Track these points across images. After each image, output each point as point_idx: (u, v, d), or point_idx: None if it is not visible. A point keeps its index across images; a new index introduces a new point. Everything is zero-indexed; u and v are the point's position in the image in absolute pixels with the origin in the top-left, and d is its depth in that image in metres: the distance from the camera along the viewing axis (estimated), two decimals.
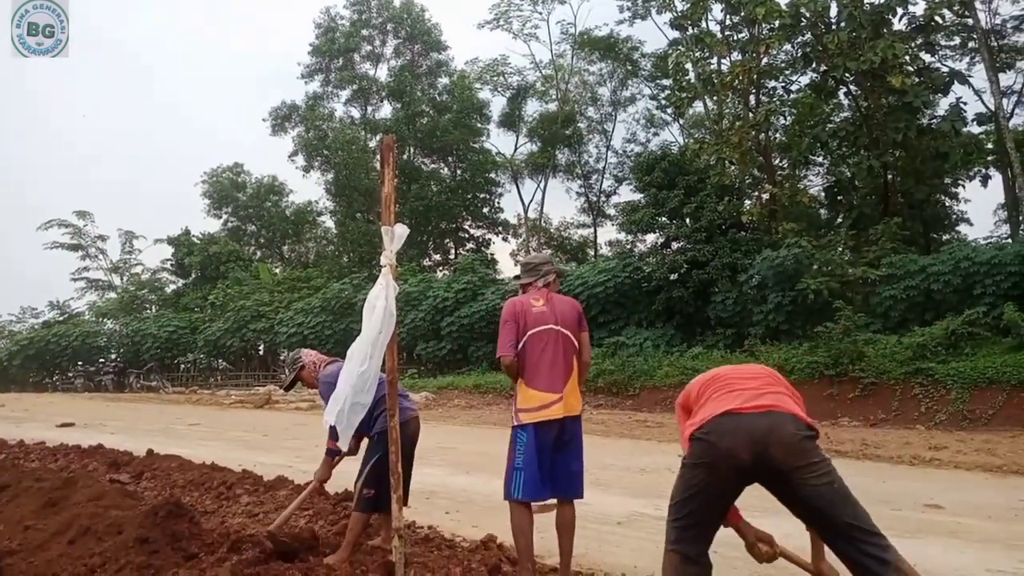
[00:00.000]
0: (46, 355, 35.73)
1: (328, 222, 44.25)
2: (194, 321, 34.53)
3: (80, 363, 36.63)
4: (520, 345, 4.05)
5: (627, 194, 35.42)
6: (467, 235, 41.16)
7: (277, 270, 40.73)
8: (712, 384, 3.14)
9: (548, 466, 3.99)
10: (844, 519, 2.74)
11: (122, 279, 44.73)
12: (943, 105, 19.57)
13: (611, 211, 37.21)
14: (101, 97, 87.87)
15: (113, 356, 36.76)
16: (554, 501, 4.15)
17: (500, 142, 40.74)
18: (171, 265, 42.40)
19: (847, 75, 19.06)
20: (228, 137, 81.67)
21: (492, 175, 39.93)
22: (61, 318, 39.51)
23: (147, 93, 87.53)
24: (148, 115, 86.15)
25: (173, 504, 4.80)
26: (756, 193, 23.99)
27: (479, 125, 39.47)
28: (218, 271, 37.81)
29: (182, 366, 35.18)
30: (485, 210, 40.65)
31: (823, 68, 19.92)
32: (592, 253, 36.97)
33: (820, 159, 23.68)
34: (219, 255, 38.36)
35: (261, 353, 34.71)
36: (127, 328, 35.84)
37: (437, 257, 41.27)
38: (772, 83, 23.12)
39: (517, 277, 4.55)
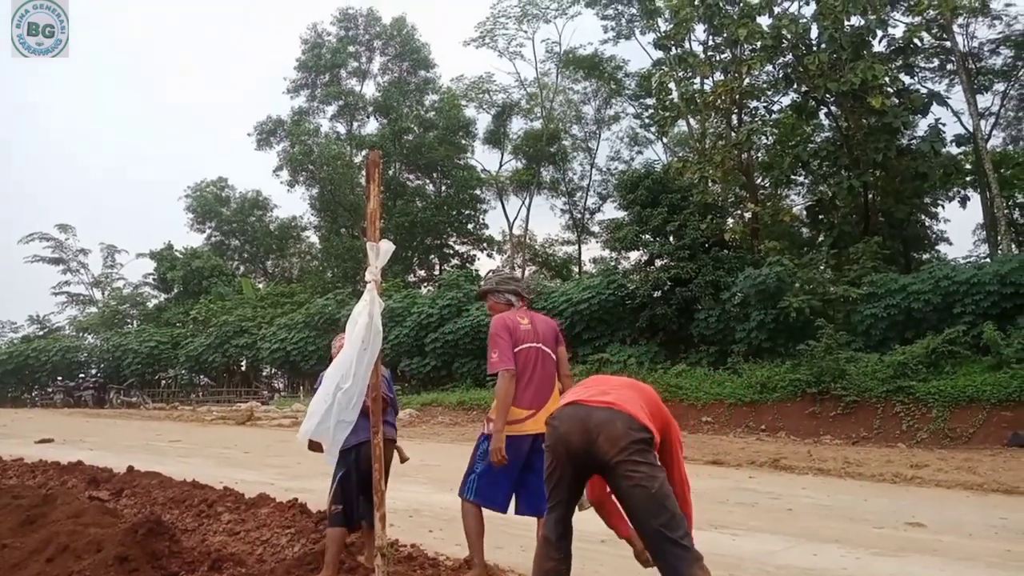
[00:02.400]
0: (25, 370, 35.31)
1: (312, 237, 44.18)
2: (176, 336, 34.24)
3: (60, 378, 36.20)
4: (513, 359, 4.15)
5: (611, 211, 35.60)
6: (452, 251, 41.18)
7: (260, 285, 40.54)
8: (581, 382, 3.50)
9: (514, 480, 4.11)
10: (654, 525, 2.91)
11: (104, 293, 44.36)
12: (922, 126, 19.88)
13: (595, 228, 37.48)
14: (84, 109, 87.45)
15: (93, 371, 36.40)
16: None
17: (485, 159, 40.81)
18: (153, 280, 42.07)
19: (828, 96, 19.29)
20: (212, 151, 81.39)
21: (477, 192, 40.02)
22: (41, 332, 39.15)
23: (131, 106, 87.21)
24: (130, 127, 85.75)
25: (153, 522, 4.76)
26: (739, 211, 24.16)
27: (464, 142, 39.61)
28: (201, 286, 37.54)
29: (163, 382, 34.84)
30: (470, 226, 40.71)
31: (804, 89, 20.16)
32: (576, 270, 37.06)
33: (802, 178, 23.92)
34: (202, 270, 38.11)
35: (243, 369, 34.42)
36: (108, 343, 35.50)
37: (422, 273, 41.25)
38: (754, 103, 23.36)
39: (512, 292, 4.61)
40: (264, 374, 35.01)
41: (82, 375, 36.45)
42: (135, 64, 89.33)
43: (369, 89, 41.32)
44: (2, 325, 40.39)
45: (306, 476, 9.06)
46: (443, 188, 40.71)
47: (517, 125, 38.72)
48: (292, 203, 76.99)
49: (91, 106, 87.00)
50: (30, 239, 41.68)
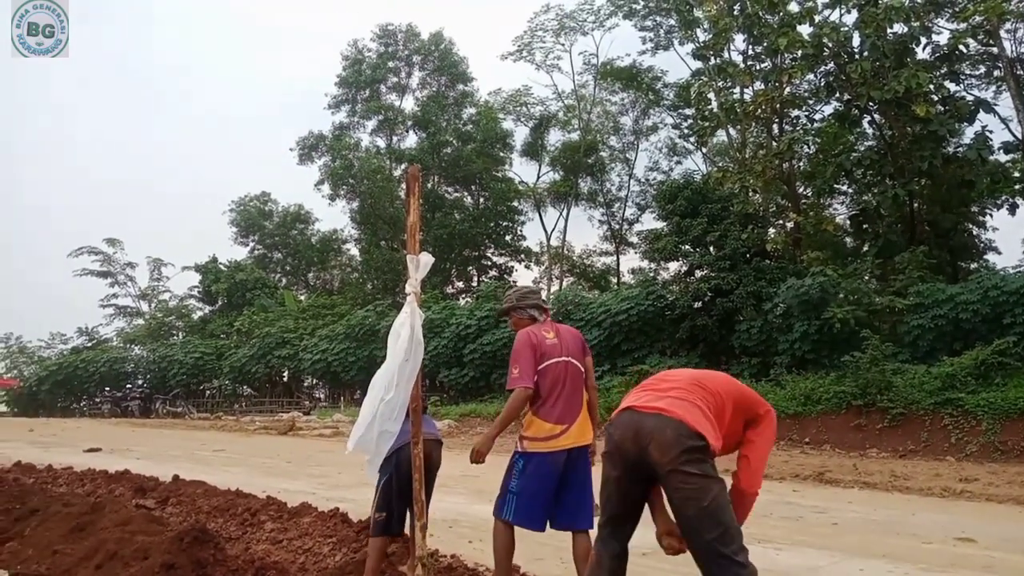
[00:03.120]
0: (74, 380, 36.14)
1: (353, 250, 44.72)
2: (220, 347, 34.86)
3: (107, 389, 37.02)
4: (535, 376, 4.08)
5: (650, 222, 35.40)
6: (490, 263, 41.34)
7: (302, 297, 41.09)
8: (640, 384, 3.36)
9: (552, 497, 4.03)
10: (705, 539, 2.80)
11: (150, 306, 45.36)
12: (969, 134, 19.42)
13: (634, 239, 37.27)
14: (130, 128, 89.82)
15: (140, 382, 37.16)
16: None
17: (523, 171, 40.97)
18: (198, 292, 42.92)
19: (871, 104, 19.00)
20: (256, 167, 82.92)
21: (515, 203, 40.20)
22: (89, 344, 40.07)
23: (178, 125, 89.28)
24: (178, 144, 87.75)
25: (199, 530, 4.84)
26: (780, 221, 23.87)
27: (502, 154, 39.84)
28: (244, 298, 38.22)
29: (207, 392, 35.46)
30: (508, 238, 40.85)
31: (847, 97, 19.88)
32: (615, 281, 36.92)
33: (845, 187, 23.54)
34: (245, 282, 38.80)
35: (285, 380, 34.90)
36: (154, 354, 36.25)
37: (460, 285, 41.47)
38: (795, 112, 23.10)
39: (534, 307, 4.59)
40: (306, 385, 35.45)
41: (129, 385, 37.24)
42: (176, 80, 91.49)
43: (408, 103, 41.90)
44: (52, 337, 41.46)
45: (347, 486, 9.14)
46: (481, 200, 40.95)
47: (555, 137, 38.91)
48: (333, 216, 78.15)
49: (134, 121, 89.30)
50: (79, 253, 42.85)
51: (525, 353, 4.10)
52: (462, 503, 7.66)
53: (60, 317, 75.58)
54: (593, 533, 4.10)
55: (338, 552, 5.08)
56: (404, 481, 4.21)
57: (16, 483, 8.21)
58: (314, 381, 34.62)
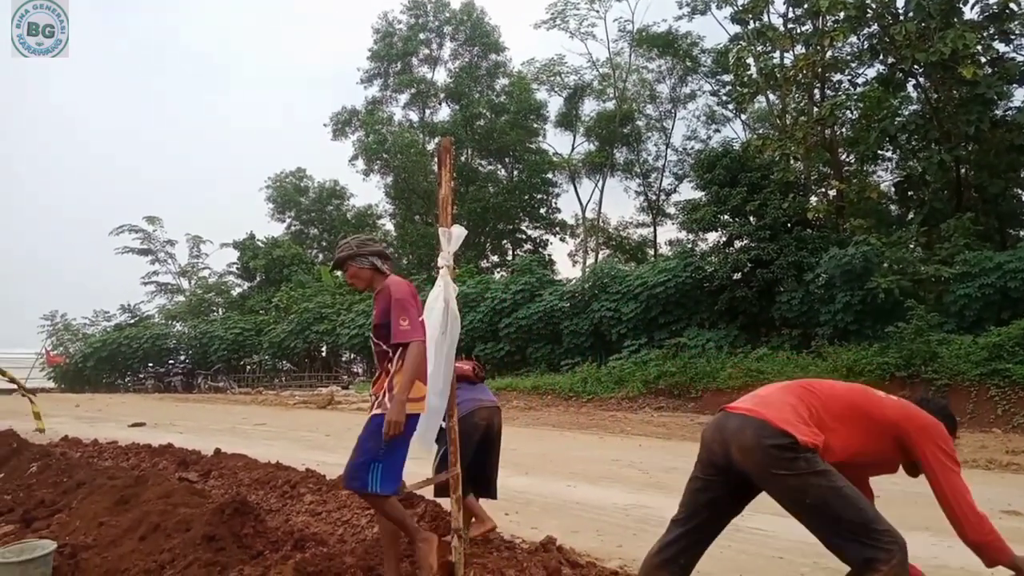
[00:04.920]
0: (118, 357, 36.94)
1: (388, 225, 44.86)
2: (259, 323, 35.36)
3: (150, 364, 37.82)
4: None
5: (688, 192, 34.93)
6: (524, 236, 41.17)
7: (339, 273, 41.38)
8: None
9: (405, 455, 3.79)
10: (823, 532, 2.69)
11: (190, 283, 46.10)
12: (1019, 96, 18.80)
13: (671, 210, 36.69)
14: (167, 105, 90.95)
15: (182, 358, 37.87)
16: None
17: (557, 142, 40.77)
18: (237, 269, 43.48)
19: (916, 67, 18.40)
20: (291, 143, 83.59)
21: (549, 175, 39.85)
22: (132, 321, 40.79)
23: (212, 101, 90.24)
24: (213, 122, 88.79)
25: (239, 502, 4.90)
26: (822, 189, 23.37)
27: (536, 125, 39.47)
28: (282, 274, 38.64)
29: (248, 367, 36.06)
30: (542, 211, 40.61)
31: (891, 60, 19.29)
32: (652, 252, 36.58)
33: (889, 154, 22.92)
34: (283, 258, 39.21)
35: (324, 354, 35.35)
36: (195, 330, 36.90)
37: (495, 258, 41.41)
38: (837, 76, 22.47)
39: (380, 254, 4.06)
40: (343, 359, 35.85)
41: (171, 361, 38.00)
42: (211, 60, 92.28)
43: (440, 76, 41.62)
44: (96, 314, 42.18)
45: None
46: (515, 173, 40.70)
47: (589, 107, 38.40)
48: (368, 191, 78.70)
49: (170, 103, 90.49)
50: (120, 231, 43.57)
51: (414, 303, 3.77)
52: (499, 476, 7.67)
53: (103, 295, 77.53)
54: (644, 508, 4.07)
55: (375, 524, 5.10)
56: (469, 447, 4.37)
57: (63, 457, 8.42)
58: (352, 356, 34.99)
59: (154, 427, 13.95)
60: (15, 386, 11.02)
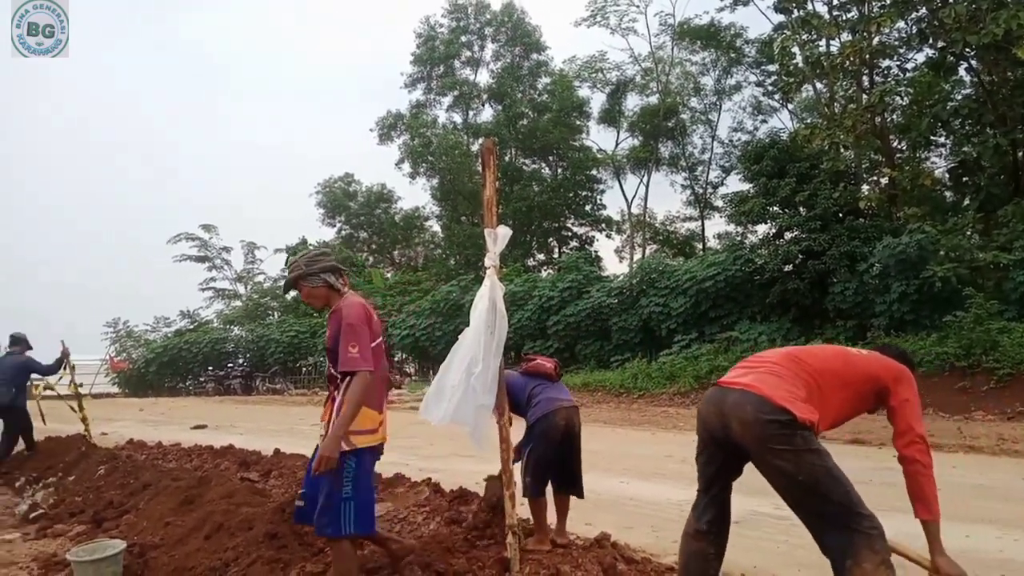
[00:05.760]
0: (179, 361, 37.89)
1: (435, 226, 45.24)
2: (314, 326, 35.94)
3: (210, 368, 38.71)
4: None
5: (735, 184, 34.44)
6: (570, 233, 41.12)
7: (388, 275, 41.91)
8: (743, 360, 3.27)
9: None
10: (808, 511, 2.75)
11: (246, 288, 47.11)
12: None
13: (719, 203, 36.23)
14: (221, 116, 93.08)
15: (240, 361, 38.69)
16: None
17: (601, 138, 40.57)
18: None
19: (967, 50, 17.84)
20: (339, 149, 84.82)
21: (593, 172, 39.73)
22: (191, 326, 41.79)
23: (263, 110, 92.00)
24: (263, 130, 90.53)
25: None
26: (874, 178, 22.84)
27: (579, 123, 39.38)
28: None
29: (304, 369, 36.70)
30: (587, 208, 40.48)
31: (940, 44, 18.75)
32: (700, 247, 36.19)
33: (942, 139, 22.29)
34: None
35: None
36: (252, 334, 37.69)
37: (541, 257, 41.43)
38: (886, 62, 21.92)
39: (332, 269, 3.80)
40: (396, 359, 36.27)
41: (230, 364, 38.86)
42: (259, 67, 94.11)
43: (483, 77, 41.85)
44: (157, 321, 43.34)
45: (438, 457, 9.36)
46: (559, 171, 40.67)
47: (632, 102, 38.11)
48: (415, 194, 79.52)
49: (220, 111, 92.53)
50: (178, 239, 44.77)
51: (366, 328, 3.52)
52: None
53: (163, 302, 79.78)
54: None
55: (431, 521, 5.21)
56: (551, 448, 4.43)
57: (129, 460, 8.73)
58: (403, 356, 35.39)
59: (215, 429, 14.31)
60: (64, 395, 11.31)
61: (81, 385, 10.95)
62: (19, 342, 9.49)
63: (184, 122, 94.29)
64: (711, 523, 3.11)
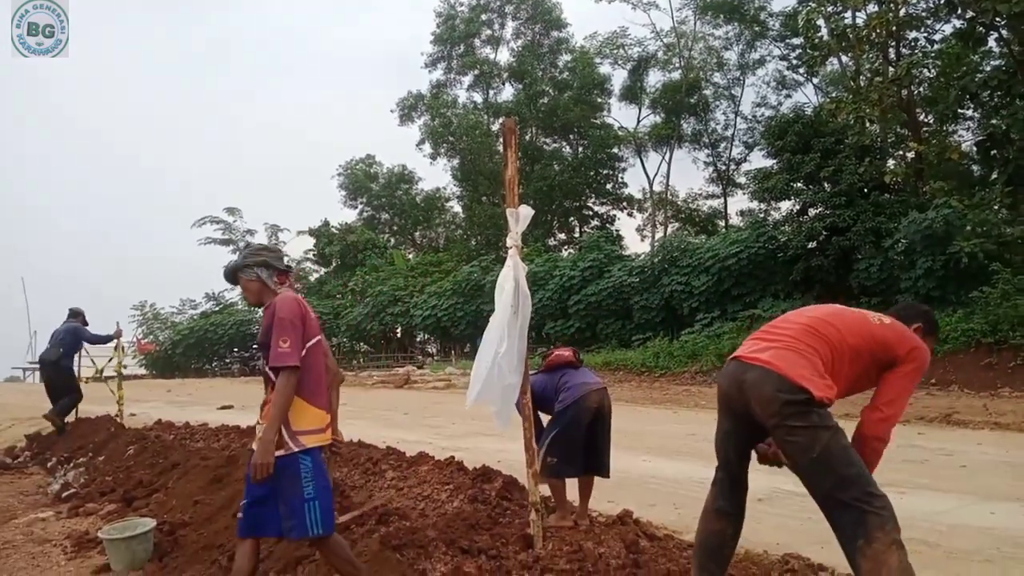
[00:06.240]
0: (205, 343, 38.36)
1: (456, 207, 45.27)
2: (336, 307, 36.26)
3: (236, 349, 39.19)
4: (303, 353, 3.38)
5: (759, 161, 34.16)
6: (591, 212, 40.96)
7: (410, 256, 42.07)
8: (761, 328, 3.19)
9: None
10: (822, 488, 2.72)
11: None
12: None
13: (742, 179, 35.88)
14: (245, 99, 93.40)
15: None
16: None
17: (622, 116, 40.40)
18: (313, 255, 44.57)
19: (997, 19, 17.36)
20: (360, 130, 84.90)
21: (615, 150, 39.43)
22: (217, 308, 42.23)
23: (284, 93, 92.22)
24: (285, 113, 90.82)
25: None
26: (900, 152, 22.48)
27: (600, 100, 39.07)
28: (356, 259, 39.49)
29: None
30: (608, 186, 40.27)
31: (970, 14, 18.25)
32: (722, 224, 35.90)
33: (970, 112, 21.83)
34: (356, 244, 40.05)
35: (399, 335, 36.06)
36: None
37: (562, 236, 41.37)
38: (913, 34, 21.47)
39: (265, 264, 3.61)
40: (418, 340, 36.50)
41: (255, 345, 39.24)
42: (280, 52, 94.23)
43: (503, 56, 41.63)
44: (183, 303, 43.82)
45: (461, 436, 9.43)
46: (580, 149, 40.44)
47: (654, 78, 37.78)
48: (436, 175, 79.51)
49: (243, 95, 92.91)
50: (202, 223, 45.13)
51: (296, 324, 3.36)
52: None
53: (189, 284, 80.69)
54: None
55: (455, 499, 5.25)
56: (580, 430, 4.48)
57: (158, 440, 8.86)
58: (426, 336, 35.60)
59: (242, 409, 14.47)
60: (106, 375, 11.93)
61: (125, 367, 11.47)
62: (76, 315, 10.25)
63: (207, 105, 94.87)
64: (730, 502, 3.11)
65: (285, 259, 3.76)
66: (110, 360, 11.41)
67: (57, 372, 10.03)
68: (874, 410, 2.92)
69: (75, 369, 10.78)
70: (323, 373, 3.52)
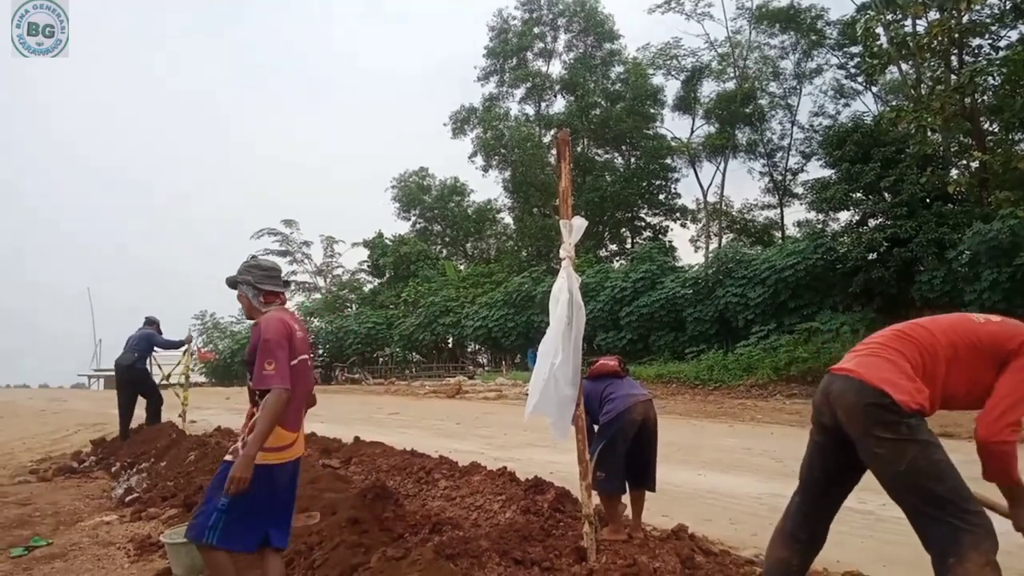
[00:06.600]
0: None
1: (507, 218, 45.41)
2: (390, 317, 36.70)
3: None
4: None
5: (816, 171, 33.47)
6: (643, 223, 40.64)
7: (462, 267, 42.34)
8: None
9: (268, 508, 3.43)
10: (908, 502, 2.57)
11: (325, 280, 48.33)
12: None
13: (798, 190, 35.12)
14: (298, 115, 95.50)
15: (320, 351, 39.77)
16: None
17: (675, 126, 39.88)
18: (367, 266, 45.23)
19: None
20: (414, 143, 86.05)
21: (668, 161, 39.09)
22: None
23: (344, 110, 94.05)
24: (343, 130, 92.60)
25: (380, 488, 5.18)
26: (963, 161, 21.81)
27: (653, 111, 38.79)
28: (409, 270, 39.91)
29: (380, 359, 37.47)
30: (661, 197, 39.90)
31: None
32: (779, 235, 35.27)
33: None
34: (409, 255, 40.48)
35: (450, 346, 36.28)
36: (331, 325, 38.68)
37: (613, 247, 41.12)
38: (976, 41, 20.89)
39: (249, 283, 3.66)
40: (469, 350, 36.68)
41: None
42: (342, 70, 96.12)
43: (555, 68, 41.70)
44: (241, 313, 44.90)
45: (513, 446, 9.43)
46: (632, 160, 40.21)
47: (708, 88, 37.33)
48: (487, 187, 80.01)
49: (303, 112, 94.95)
50: (261, 235, 46.23)
51: (282, 345, 3.39)
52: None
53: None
54: (771, 495, 4.02)
55: (507, 509, 5.26)
56: (626, 443, 4.46)
57: (218, 446, 9.05)
58: (477, 346, 35.75)
59: None
60: (173, 381, 12.47)
61: (193, 370, 12.00)
62: (152, 323, 10.87)
63: (270, 128, 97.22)
64: (803, 529, 2.92)
65: (282, 277, 3.80)
66: (177, 364, 11.93)
67: (133, 375, 10.53)
68: (985, 412, 2.70)
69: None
70: (303, 394, 3.55)
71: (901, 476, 2.57)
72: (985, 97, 21.31)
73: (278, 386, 3.29)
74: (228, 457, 3.39)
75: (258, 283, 3.64)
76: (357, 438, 9.01)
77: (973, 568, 2.39)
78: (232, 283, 3.73)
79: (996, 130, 22.36)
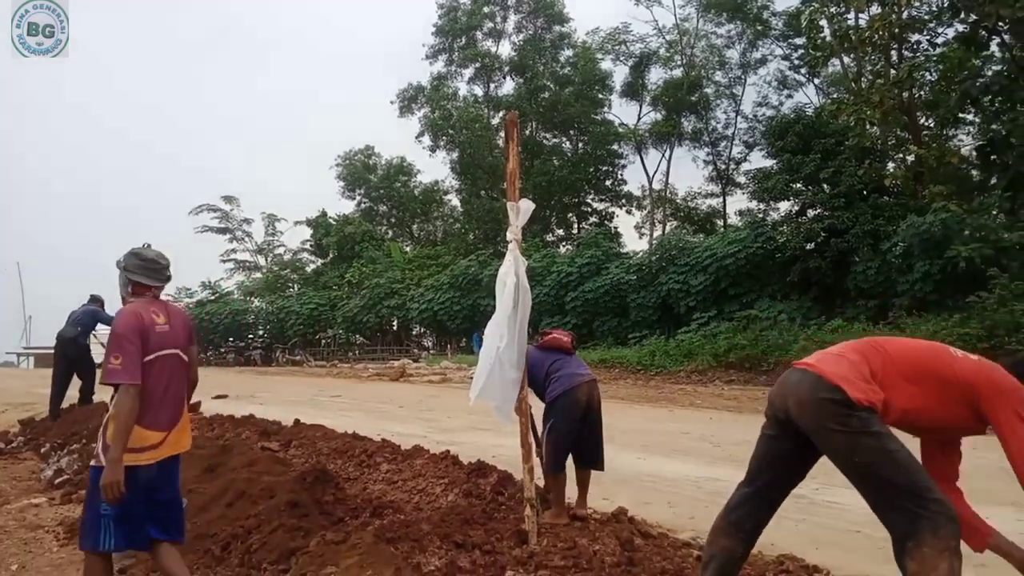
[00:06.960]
0: (200, 332, 38.17)
1: (454, 200, 45.20)
2: (333, 299, 36.22)
3: (231, 339, 39.13)
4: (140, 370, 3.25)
5: (758, 160, 34.09)
6: (590, 209, 40.94)
7: (407, 248, 42.02)
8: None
9: (145, 512, 3.32)
10: (867, 493, 2.62)
11: (266, 260, 47.50)
12: None
13: (741, 179, 35.83)
14: (241, 87, 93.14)
15: (261, 332, 39.11)
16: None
17: (623, 112, 40.09)
18: (310, 246, 44.57)
19: (1000, 24, 17.36)
20: (359, 121, 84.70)
21: (615, 147, 39.38)
22: (213, 297, 42.16)
23: (283, 82, 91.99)
24: (282, 103, 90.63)
25: (320, 471, 5.11)
26: (900, 155, 22.48)
27: (601, 96, 38.99)
28: (353, 250, 39.42)
29: (323, 341, 37.02)
30: (608, 183, 40.24)
31: (972, 18, 18.23)
32: (721, 224, 35.91)
33: (971, 117, 21.86)
34: (354, 235, 39.98)
35: (395, 328, 36.04)
36: (272, 306, 38.03)
37: (560, 232, 41.32)
38: (915, 37, 21.48)
39: (124, 268, 3.53)
40: (414, 333, 36.50)
41: (250, 336, 39.25)
42: (282, 41, 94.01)
43: (505, 49, 41.45)
44: (179, 291, 43.72)
45: (457, 430, 9.42)
46: (580, 145, 40.39)
47: (656, 75, 37.70)
48: (434, 168, 79.39)
49: (242, 84, 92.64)
50: (199, 211, 45.14)
51: (131, 339, 3.23)
52: None
53: (185, 273, 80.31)
54: (715, 479, 4.07)
55: (450, 493, 5.24)
56: (572, 423, 4.48)
57: None
58: (422, 329, 35.59)
59: (236, 399, 14.42)
60: None
61: None
62: (95, 300, 10.77)
63: (201, 90, 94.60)
64: (747, 520, 2.93)
65: (165, 271, 3.63)
66: None
67: (75, 349, 10.43)
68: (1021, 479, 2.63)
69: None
70: (163, 391, 3.35)
71: (857, 467, 2.61)
72: (922, 92, 21.95)
73: (126, 381, 3.14)
74: (93, 463, 3.24)
75: (130, 273, 3.49)
76: (297, 420, 8.87)
77: (930, 552, 2.43)
78: (118, 266, 3.56)
79: (932, 125, 23.06)
